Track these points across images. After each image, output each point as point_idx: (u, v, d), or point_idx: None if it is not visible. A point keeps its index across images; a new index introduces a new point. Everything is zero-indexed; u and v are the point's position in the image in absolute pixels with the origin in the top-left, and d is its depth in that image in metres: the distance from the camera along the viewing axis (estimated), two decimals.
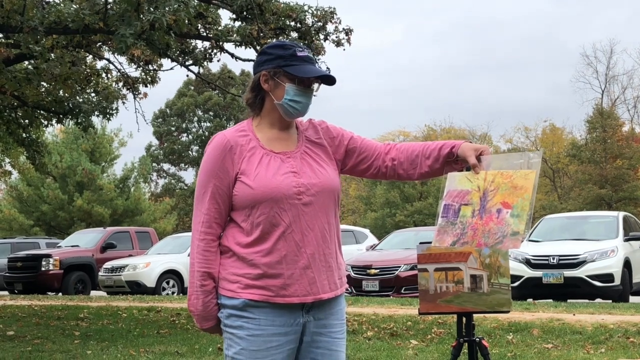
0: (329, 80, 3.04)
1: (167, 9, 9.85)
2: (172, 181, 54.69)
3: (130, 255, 21.87)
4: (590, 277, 14.40)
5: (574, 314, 10.59)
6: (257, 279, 2.90)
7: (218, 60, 13.69)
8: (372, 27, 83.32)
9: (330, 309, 3.02)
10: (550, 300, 14.35)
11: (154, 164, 51.38)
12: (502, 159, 3.08)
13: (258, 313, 2.90)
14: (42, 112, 15.38)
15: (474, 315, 3.19)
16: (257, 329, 2.90)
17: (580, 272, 14.41)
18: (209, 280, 2.95)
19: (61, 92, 14.37)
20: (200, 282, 2.95)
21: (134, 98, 14.62)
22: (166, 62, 15.57)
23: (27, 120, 15.72)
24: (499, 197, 2.97)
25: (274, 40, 11.95)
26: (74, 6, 10.80)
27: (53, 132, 39.81)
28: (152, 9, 9.88)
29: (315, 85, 3.04)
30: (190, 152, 54.00)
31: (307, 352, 3.00)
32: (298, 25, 11.93)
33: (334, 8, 12.11)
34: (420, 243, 3.13)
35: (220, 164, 2.95)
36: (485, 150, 3.06)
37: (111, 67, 15.08)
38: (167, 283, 20.43)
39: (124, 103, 15.19)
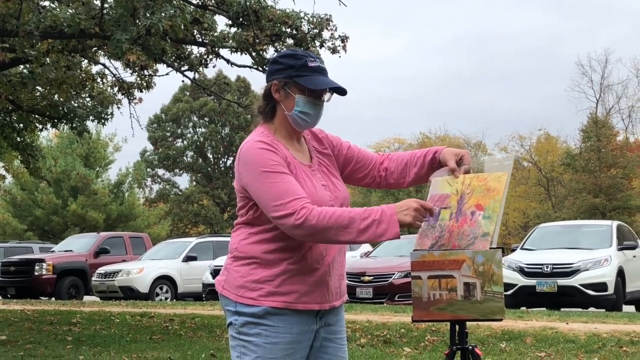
0: (340, 90, 3.03)
1: (163, 14, 9.86)
2: (167, 187, 54.62)
3: (123, 261, 21.83)
4: (584, 286, 14.42)
5: (567, 323, 10.60)
6: (279, 286, 2.91)
7: (214, 66, 13.71)
8: (377, 39, 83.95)
9: (337, 316, 3.10)
10: (544, 309, 14.35)
11: (148, 170, 51.32)
12: (479, 163, 3.14)
13: (277, 321, 2.92)
14: (36, 116, 15.37)
15: (467, 323, 3.19)
16: (275, 336, 2.92)
17: (574, 281, 14.43)
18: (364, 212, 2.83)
19: (56, 96, 14.37)
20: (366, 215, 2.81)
21: (129, 103, 14.61)
22: (162, 68, 15.50)
23: (21, 124, 15.71)
24: (474, 199, 3.03)
25: (270, 46, 11.97)
26: (70, 11, 10.80)
27: (47, 136, 39.81)
28: (148, 15, 9.88)
29: (327, 96, 3.03)
30: (185, 158, 53.95)
31: (315, 357, 3.05)
32: (294, 32, 11.95)
33: (330, 15, 12.13)
34: (414, 250, 3.13)
35: (278, 160, 2.88)
36: (465, 155, 3.13)
37: (106, 72, 15.09)
38: (161, 289, 20.39)
39: (119, 108, 15.20)
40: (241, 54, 12.19)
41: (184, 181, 55.67)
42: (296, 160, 2.98)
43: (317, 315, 3.00)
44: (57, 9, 10.85)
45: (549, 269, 14.59)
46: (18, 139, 16.11)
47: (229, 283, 2.98)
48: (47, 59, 12.40)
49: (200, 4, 11.94)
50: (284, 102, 2.99)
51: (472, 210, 3.01)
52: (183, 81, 14.93)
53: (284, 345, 2.92)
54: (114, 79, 14.99)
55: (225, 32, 12.42)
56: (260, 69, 12.10)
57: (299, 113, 2.98)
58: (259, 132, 3.00)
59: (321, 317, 3.02)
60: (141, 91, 14.51)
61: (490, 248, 2.95)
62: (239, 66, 13.01)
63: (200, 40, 12.65)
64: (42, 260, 21.53)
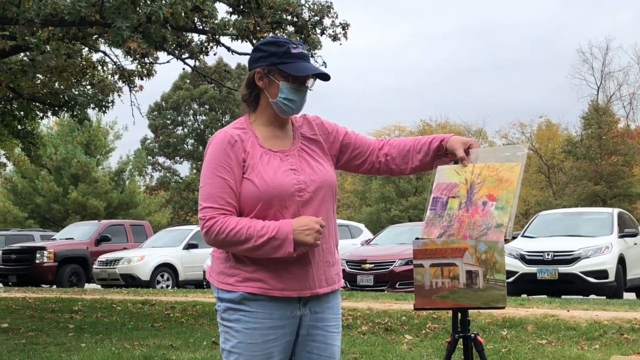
0: (324, 76, 3.03)
1: (163, 1, 9.82)
2: (167, 174, 54.59)
3: (124, 249, 21.85)
4: (585, 273, 14.42)
5: (568, 310, 10.61)
6: (255, 272, 2.91)
7: (214, 54, 13.66)
8: (379, 28, 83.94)
9: (326, 303, 3.05)
10: (545, 296, 14.37)
11: (149, 157, 51.29)
12: (489, 152, 3.12)
13: (255, 306, 2.92)
14: (37, 104, 15.35)
15: (469, 311, 3.19)
16: (254, 322, 2.92)
17: (575, 269, 14.43)
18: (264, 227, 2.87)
19: (57, 84, 14.35)
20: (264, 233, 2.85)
21: (130, 91, 14.59)
22: (162, 55, 15.45)
23: (22, 112, 15.68)
24: (485, 189, 3.00)
25: (271, 34, 11.93)
26: None
27: (48, 124, 39.74)
28: (148, 2, 9.85)
29: (310, 82, 3.03)
30: (185, 146, 53.91)
31: (303, 345, 3.02)
32: (295, 19, 11.91)
33: (331, 2, 12.09)
34: (416, 238, 3.13)
35: (225, 159, 2.92)
36: (473, 144, 3.12)
37: (107, 59, 15.05)
38: (162, 276, 20.41)
39: (119, 96, 15.16)
40: (242, 41, 12.16)
41: (184, 169, 55.73)
42: (263, 148, 2.97)
43: (300, 302, 2.97)
44: None
45: (549, 257, 14.59)
46: (19, 126, 16.10)
47: (213, 270, 3.04)
48: (48, 46, 12.36)
49: None
50: (268, 89, 3.00)
51: (484, 201, 2.98)
52: (183, 69, 14.86)
53: (264, 330, 2.92)
54: (114, 66, 14.98)
55: (226, 19, 12.38)
56: None
57: (283, 100, 2.98)
58: (235, 121, 3.06)
59: (305, 304, 2.99)
60: (142, 79, 14.49)
61: (505, 240, 2.95)
62: (240, 54, 12.98)
63: (201, 27, 12.60)
64: (43, 248, 21.55)
